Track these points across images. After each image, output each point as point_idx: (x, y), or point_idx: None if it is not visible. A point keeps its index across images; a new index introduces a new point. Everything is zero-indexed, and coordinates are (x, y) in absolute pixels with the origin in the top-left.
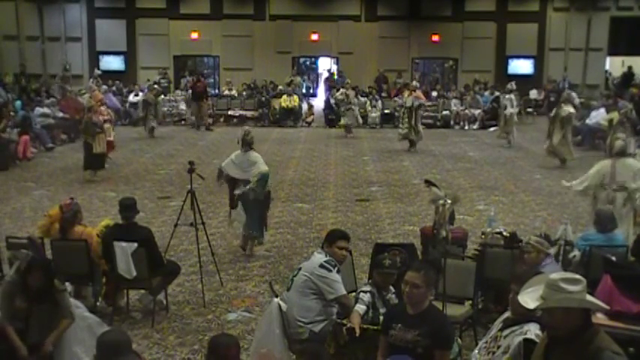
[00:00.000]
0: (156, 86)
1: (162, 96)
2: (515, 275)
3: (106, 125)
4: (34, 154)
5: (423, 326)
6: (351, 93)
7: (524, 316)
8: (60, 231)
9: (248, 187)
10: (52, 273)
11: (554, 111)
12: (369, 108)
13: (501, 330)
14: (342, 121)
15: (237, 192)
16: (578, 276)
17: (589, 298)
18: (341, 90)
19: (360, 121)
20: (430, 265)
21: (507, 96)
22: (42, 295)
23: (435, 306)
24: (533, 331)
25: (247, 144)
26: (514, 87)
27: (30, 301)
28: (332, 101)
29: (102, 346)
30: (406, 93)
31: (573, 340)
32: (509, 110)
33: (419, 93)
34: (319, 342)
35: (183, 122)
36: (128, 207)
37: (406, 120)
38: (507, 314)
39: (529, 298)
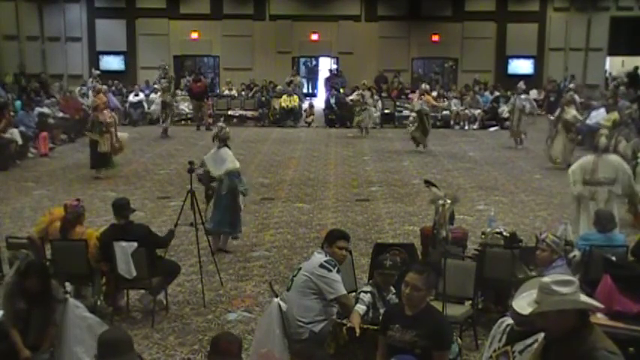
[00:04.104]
0: (163, 81)
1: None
2: (516, 281)
3: (110, 129)
4: (34, 154)
5: (420, 327)
6: (367, 93)
7: (531, 325)
8: (60, 231)
9: (214, 184)
10: (49, 278)
11: (557, 113)
12: None
13: (508, 343)
14: (357, 121)
15: (213, 184)
16: (570, 277)
17: (583, 298)
18: (357, 91)
19: (376, 121)
20: (431, 268)
21: (523, 96)
22: (39, 298)
23: (433, 306)
24: None
25: (221, 140)
26: (524, 87)
27: (29, 303)
28: (332, 101)
29: (103, 344)
30: (415, 97)
31: (569, 339)
32: (530, 110)
33: (428, 97)
34: (319, 342)
35: (183, 122)
36: (123, 206)
37: (416, 124)
38: (507, 321)
39: (524, 303)
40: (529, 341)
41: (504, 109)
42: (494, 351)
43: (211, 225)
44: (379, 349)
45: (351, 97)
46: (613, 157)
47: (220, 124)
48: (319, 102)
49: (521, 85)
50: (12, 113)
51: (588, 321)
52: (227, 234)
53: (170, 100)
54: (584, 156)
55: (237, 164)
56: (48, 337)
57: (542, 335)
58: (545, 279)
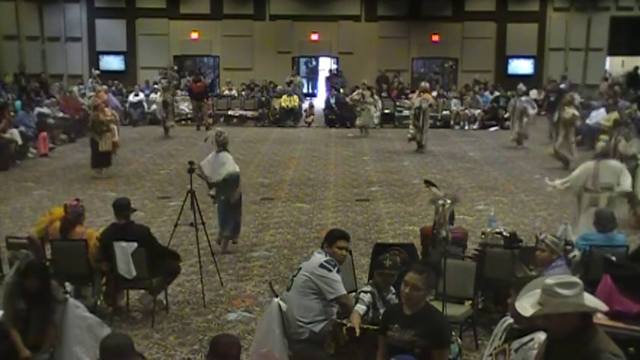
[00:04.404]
0: (163, 81)
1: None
2: (518, 282)
3: (112, 126)
4: (34, 154)
5: (419, 326)
6: (367, 93)
7: (529, 324)
8: (60, 231)
9: (211, 191)
10: (49, 278)
11: (556, 115)
12: None
13: (507, 341)
14: (359, 121)
15: (210, 193)
16: (574, 279)
17: (587, 299)
18: (357, 90)
19: (376, 121)
20: (431, 268)
21: (524, 98)
22: (39, 299)
23: (432, 305)
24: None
25: (220, 145)
26: (524, 88)
27: (29, 303)
28: (332, 101)
29: (105, 350)
30: (415, 94)
31: (572, 340)
32: (532, 112)
33: (427, 95)
34: (319, 342)
35: (183, 122)
36: (124, 206)
37: (415, 121)
38: (509, 320)
39: (527, 304)
40: (525, 339)
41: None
42: (495, 349)
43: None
44: (379, 350)
45: (351, 97)
46: (613, 162)
47: (218, 128)
48: (319, 102)
49: (521, 86)
50: (12, 113)
51: (591, 322)
52: (227, 238)
53: (171, 99)
54: (584, 162)
55: (237, 168)
56: (48, 338)
57: (538, 334)
58: (549, 280)
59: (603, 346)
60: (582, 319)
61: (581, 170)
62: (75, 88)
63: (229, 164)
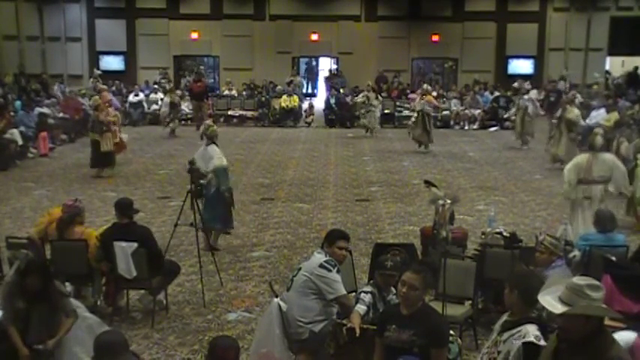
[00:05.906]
0: (163, 81)
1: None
2: (512, 275)
3: (113, 127)
4: (34, 154)
5: (417, 326)
6: (372, 95)
7: (522, 316)
8: (57, 230)
9: (203, 181)
10: (50, 276)
11: (558, 112)
12: None
13: (500, 334)
14: (362, 122)
15: (201, 182)
16: (598, 282)
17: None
18: (362, 93)
19: (378, 122)
20: (428, 268)
21: (526, 96)
22: (40, 296)
23: (429, 305)
24: (531, 332)
25: (208, 138)
26: (528, 87)
27: (29, 302)
28: (332, 101)
29: (98, 347)
30: (417, 97)
31: (586, 346)
32: (534, 111)
33: (429, 97)
34: (319, 342)
35: (183, 122)
36: (127, 206)
37: (418, 123)
38: (506, 317)
39: (554, 301)
40: (513, 331)
41: (511, 112)
42: (492, 341)
43: (201, 222)
44: (376, 351)
45: (357, 99)
46: (608, 156)
47: (207, 122)
48: (319, 102)
49: (527, 85)
50: (12, 113)
51: (605, 328)
52: (219, 230)
53: (178, 101)
54: (578, 155)
55: (224, 161)
56: (60, 331)
57: (526, 327)
58: (578, 281)
59: (622, 356)
60: (599, 323)
61: (575, 163)
62: (56, 87)
63: (216, 158)
